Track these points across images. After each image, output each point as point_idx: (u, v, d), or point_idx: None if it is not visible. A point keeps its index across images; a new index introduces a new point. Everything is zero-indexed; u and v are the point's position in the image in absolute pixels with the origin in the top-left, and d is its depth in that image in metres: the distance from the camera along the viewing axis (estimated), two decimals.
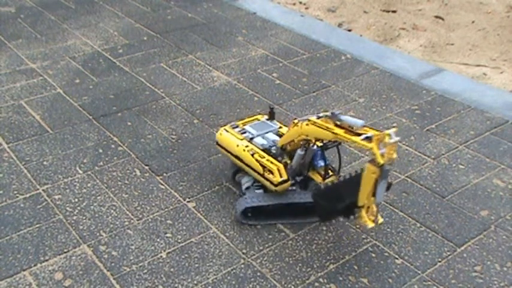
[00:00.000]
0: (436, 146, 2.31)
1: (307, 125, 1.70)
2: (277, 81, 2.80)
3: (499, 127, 2.46)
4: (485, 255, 1.79)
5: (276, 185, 1.82)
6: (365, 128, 1.57)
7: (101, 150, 2.26)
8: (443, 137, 2.37)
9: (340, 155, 1.84)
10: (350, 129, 1.60)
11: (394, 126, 1.76)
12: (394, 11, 3.96)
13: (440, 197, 2.03)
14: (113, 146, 2.29)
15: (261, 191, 1.91)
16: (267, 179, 1.84)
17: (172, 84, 2.76)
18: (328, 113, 1.66)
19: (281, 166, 1.82)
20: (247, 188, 1.95)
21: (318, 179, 1.84)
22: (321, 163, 1.81)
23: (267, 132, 1.97)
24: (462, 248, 1.81)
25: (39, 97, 2.63)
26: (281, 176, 1.81)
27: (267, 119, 2.06)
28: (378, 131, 1.54)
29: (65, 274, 1.70)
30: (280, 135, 1.96)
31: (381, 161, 1.50)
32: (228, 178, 2.10)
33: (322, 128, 1.65)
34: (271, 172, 1.81)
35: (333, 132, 1.62)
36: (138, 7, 3.70)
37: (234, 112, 2.53)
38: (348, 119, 1.62)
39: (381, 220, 1.63)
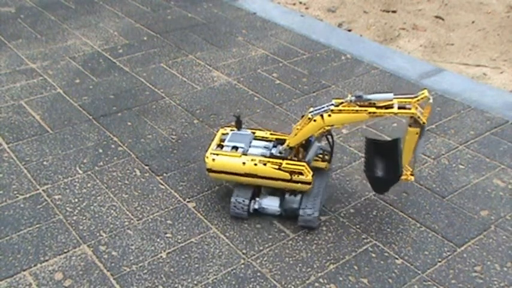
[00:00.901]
0: (436, 146, 2.31)
1: (329, 115, 1.72)
2: (277, 81, 2.80)
3: (499, 127, 2.46)
4: (485, 255, 1.79)
5: (310, 183, 1.80)
6: (396, 98, 1.69)
7: (101, 150, 2.26)
8: (443, 137, 2.37)
9: (334, 140, 1.88)
10: (380, 105, 1.69)
11: (423, 89, 1.87)
12: (394, 11, 3.95)
13: (440, 197, 2.03)
14: (113, 146, 2.29)
15: (293, 196, 1.86)
16: (298, 181, 1.80)
17: (172, 84, 2.76)
18: (349, 98, 1.72)
19: (305, 164, 1.81)
20: (286, 207, 1.87)
21: (321, 164, 1.88)
22: (319, 150, 1.88)
23: (251, 141, 1.93)
24: (462, 248, 1.81)
25: (39, 97, 2.63)
26: (310, 172, 1.80)
27: (236, 129, 1.98)
28: (404, 98, 1.68)
29: (65, 274, 1.70)
30: (262, 139, 1.93)
31: (424, 120, 1.68)
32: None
33: (352, 113, 1.70)
34: (300, 173, 1.79)
35: (369, 112, 1.69)
36: (138, 7, 3.70)
37: (234, 112, 2.53)
38: (376, 96, 1.70)
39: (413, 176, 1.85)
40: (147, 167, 2.16)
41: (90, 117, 2.48)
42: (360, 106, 1.69)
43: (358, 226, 1.89)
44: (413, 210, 1.97)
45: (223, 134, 1.98)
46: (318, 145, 1.82)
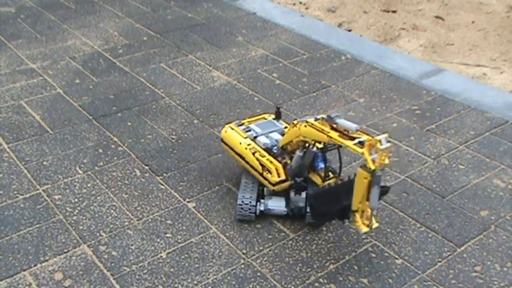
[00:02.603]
0: (436, 146, 2.31)
1: (305, 126, 1.70)
2: (277, 81, 2.80)
3: (499, 127, 2.46)
4: (485, 255, 1.79)
5: (273, 185, 1.82)
6: (359, 132, 1.57)
7: (101, 150, 2.26)
8: (443, 137, 2.37)
9: (341, 157, 1.84)
10: (345, 133, 1.60)
11: (384, 133, 1.76)
12: (394, 11, 3.95)
13: (440, 197, 2.03)
14: (112, 146, 2.29)
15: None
16: (266, 178, 1.84)
17: (172, 84, 2.76)
18: (323, 115, 1.67)
19: (280, 166, 1.82)
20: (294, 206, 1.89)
21: (318, 181, 1.83)
22: (321, 165, 1.81)
23: (271, 132, 1.97)
24: (462, 248, 1.81)
25: (39, 97, 2.63)
26: (279, 176, 1.81)
27: (274, 119, 2.06)
28: (370, 136, 1.53)
29: (65, 274, 1.70)
30: (283, 134, 1.97)
31: (372, 166, 1.49)
32: (228, 178, 2.10)
33: (318, 130, 1.65)
34: (269, 171, 1.82)
35: (328, 135, 1.61)
36: (138, 7, 3.70)
37: (234, 112, 2.53)
38: (343, 122, 1.61)
39: (375, 225, 1.62)
40: (147, 167, 2.16)
41: (90, 117, 2.48)
42: (331, 127, 1.64)
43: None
44: (413, 210, 1.97)
45: (263, 118, 2.07)
46: (299, 154, 1.80)
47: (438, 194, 2.05)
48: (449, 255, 1.79)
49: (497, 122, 2.49)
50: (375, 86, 2.78)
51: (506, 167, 2.20)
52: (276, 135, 1.96)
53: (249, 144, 1.91)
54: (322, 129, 1.64)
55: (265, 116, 2.09)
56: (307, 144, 1.78)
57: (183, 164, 2.18)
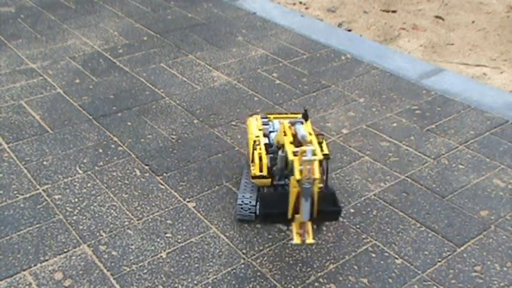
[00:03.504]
0: (436, 146, 2.31)
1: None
2: (277, 81, 2.80)
3: (499, 127, 2.46)
4: (485, 255, 1.79)
5: (252, 178, 1.82)
6: (306, 142, 1.55)
7: (101, 150, 2.26)
8: (443, 137, 2.38)
9: (328, 167, 1.80)
10: (295, 139, 1.58)
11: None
12: (394, 11, 3.95)
13: (440, 197, 2.03)
14: (112, 146, 2.29)
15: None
16: (250, 169, 1.87)
17: (172, 84, 2.76)
18: (292, 120, 1.65)
19: (265, 163, 1.81)
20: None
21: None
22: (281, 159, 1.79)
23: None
24: (462, 248, 1.81)
25: (39, 97, 2.63)
26: (260, 171, 1.80)
27: (303, 120, 2.03)
28: (313, 148, 1.51)
29: (65, 274, 1.70)
30: None
31: (298, 176, 1.45)
32: (228, 178, 2.10)
33: (281, 133, 1.65)
34: (254, 165, 1.83)
35: (283, 137, 1.60)
36: (138, 7, 3.70)
37: (234, 112, 2.53)
38: (298, 128, 1.60)
39: (310, 240, 1.55)
40: (147, 167, 2.16)
41: (90, 117, 2.48)
42: (293, 134, 1.64)
43: (358, 226, 1.89)
44: (413, 210, 1.97)
45: (294, 116, 2.03)
46: (281, 155, 1.78)
47: (438, 194, 2.05)
48: (449, 255, 1.79)
49: (497, 122, 2.49)
50: (375, 86, 2.78)
51: (506, 167, 2.20)
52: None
53: (257, 137, 1.91)
54: (285, 131, 1.63)
55: (298, 116, 2.04)
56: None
57: (183, 164, 2.19)
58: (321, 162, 1.69)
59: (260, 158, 1.83)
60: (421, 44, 3.47)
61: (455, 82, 2.83)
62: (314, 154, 1.48)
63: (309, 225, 1.56)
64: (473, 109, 2.59)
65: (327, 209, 1.58)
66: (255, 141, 1.89)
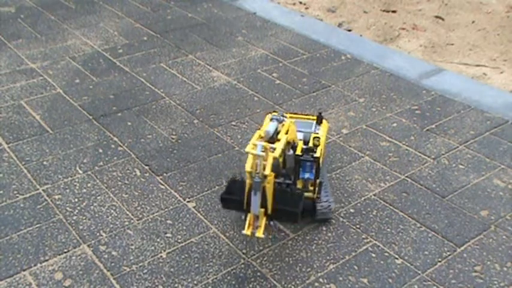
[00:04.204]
0: (436, 146, 2.31)
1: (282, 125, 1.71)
2: (277, 81, 2.80)
3: (499, 127, 2.46)
4: (485, 255, 1.79)
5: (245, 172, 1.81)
6: (268, 138, 1.57)
7: (101, 150, 2.26)
8: (443, 137, 2.38)
9: (319, 170, 1.80)
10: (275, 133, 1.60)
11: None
12: (394, 11, 3.95)
13: (440, 197, 2.03)
14: (112, 146, 2.29)
15: None
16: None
17: (172, 84, 2.76)
18: (274, 116, 1.66)
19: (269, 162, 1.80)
20: None
21: (309, 193, 1.83)
22: (303, 175, 1.79)
23: (298, 131, 1.93)
24: (462, 248, 1.81)
25: (39, 97, 2.63)
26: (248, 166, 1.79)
27: (316, 122, 2.02)
28: (270, 143, 1.53)
29: (65, 274, 1.70)
30: (308, 141, 1.94)
31: (247, 167, 1.48)
32: (228, 178, 2.10)
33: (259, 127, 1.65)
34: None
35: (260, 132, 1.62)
36: (138, 7, 3.70)
37: (234, 112, 2.53)
38: (270, 124, 1.62)
39: (258, 235, 1.58)
40: (147, 167, 2.16)
41: (90, 117, 2.48)
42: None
43: (358, 226, 1.89)
44: (413, 210, 1.97)
45: (309, 119, 2.02)
46: (288, 154, 1.78)
47: (438, 194, 2.05)
48: (449, 255, 1.79)
49: (497, 122, 2.49)
50: (375, 86, 2.78)
51: (506, 167, 2.20)
52: (300, 135, 1.92)
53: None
54: (264, 125, 1.64)
55: (312, 118, 2.03)
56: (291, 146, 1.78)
57: (183, 164, 2.18)
58: (275, 159, 1.68)
59: None
60: (421, 44, 3.47)
61: (455, 82, 2.83)
62: (271, 151, 1.50)
63: (262, 220, 1.59)
64: (473, 109, 2.59)
65: (284, 208, 1.60)
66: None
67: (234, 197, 1.62)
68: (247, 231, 1.59)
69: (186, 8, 3.69)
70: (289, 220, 1.70)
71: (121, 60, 2.99)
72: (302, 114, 2.05)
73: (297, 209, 1.59)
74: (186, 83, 2.78)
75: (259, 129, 1.61)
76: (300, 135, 1.92)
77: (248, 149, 1.51)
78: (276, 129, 1.66)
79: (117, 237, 1.83)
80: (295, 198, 1.62)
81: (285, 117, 1.99)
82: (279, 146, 1.56)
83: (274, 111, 2.04)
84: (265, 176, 1.50)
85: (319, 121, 2.01)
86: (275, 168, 1.79)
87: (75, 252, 1.77)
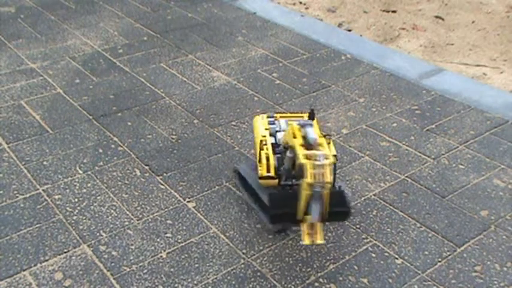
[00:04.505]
0: (436, 146, 2.31)
1: (291, 128, 1.70)
2: (277, 81, 2.80)
3: (499, 127, 2.46)
4: (485, 255, 1.79)
5: (259, 178, 1.83)
6: (317, 145, 1.55)
7: (101, 150, 2.26)
8: (443, 137, 2.38)
9: (335, 168, 1.81)
10: (305, 142, 1.58)
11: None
12: (394, 11, 3.96)
13: (440, 197, 2.04)
14: (112, 146, 2.29)
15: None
16: (257, 169, 1.87)
17: (172, 84, 2.76)
18: (300, 122, 1.64)
19: (272, 163, 1.81)
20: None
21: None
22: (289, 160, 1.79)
23: None
24: (462, 248, 1.81)
25: (39, 97, 2.63)
26: (267, 172, 1.80)
27: (308, 119, 2.02)
28: (325, 151, 1.52)
29: (65, 274, 1.70)
30: None
31: (309, 179, 1.46)
32: (228, 178, 2.10)
33: (291, 135, 1.64)
34: (261, 165, 1.83)
35: (293, 140, 1.60)
36: (138, 7, 3.70)
37: (234, 112, 2.53)
38: (308, 130, 1.59)
39: (319, 241, 1.57)
40: (147, 167, 2.16)
41: (90, 117, 2.48)
42: (302, 136, 1.63)
43: (358, 226, 1.89)
44: (413, 210, 1.97)
45: (299, 117, 2.02)
46: (289, 156, 1.79)
47: (438, 194, 2.05)
48: (449, 255, 1.79)
49: (497, 122, 2.49)
50: (375, 86, 2.78)
51: (506, 167, 2.20)
52: None
53: (263, 136, 1.91)
54: (294, 133, 1.62)
55: (304, 115, 2.05)
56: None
57: (183, 164, 2.19)
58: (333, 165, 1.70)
59: (267, 158, 1.83)
60: (421, 44, 3.47)
61: (455, 82, 2.84)
62: (326, 158, 1.49)
63: (318, 226, 1.57)
64: (473, 109, 2.59)
65: (335, 210, 1.59)
66: (261, 141, 1.89)
67: (286, 211, 1.61)
68: (307, 241, 1.56)
69: (186, 8, 3.69)
70: (340, 220, 1.71)
71: (121, 60, 2.99)
72: (291, 113, 2.06)
73: (347, 208, 1.61)
74: (186, 83, 2.78)
75: (295, 138, 1.60)
76: None
77: (304, 160, 1.49)
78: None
79: (117, 237, 1.83)
80: (338, 197, 1.62)
81: (274, 117, 2.00)
82: (328, 151, 1.55)
83: (263, 113, 2.04)
84: (327, 184, 1.49)
85: (311, 118, 2.02)
86: (286, 171, 1.81)
87: (75, 252, 1.77)
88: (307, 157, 1.50)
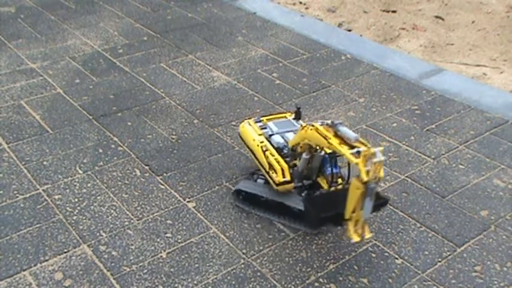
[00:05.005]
0: (436, 146, 2.31)
1: (310, 129, 1.70)
2: (277, 81, 2.80)
3: (499, 127, 2.46)
4: (485, 255, 1.79)
5: (277, 185, 1.82)
6: (358, 142, 1.56)
7: (101, 150, 2.26)
8: (443, 137, 2.38)
9: (350, 167, 1.82)
10: (346, 141, 1.59)
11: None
12: (394, 11, 3.95)
13: (440, 197, 2.03)
14: (112, 146, 2.29)
15: (262, 181, 1.94)
16: (271, 177, 1.85)
17: (172, 84, 2.76)
18: (328, 122, 1.66)
19: (286, 167, 1.82)
20: (252, 173, 2.00)
21: (324, 185, 1.84)
22: (329, 170, 1.80)
23: (287, 132, 1.96)
24: (462, 248, 1.81)
25: (39, 97, 2.63)
26: (284, 177, 1.81)
27: (293, 118, 2.05)
28: (368, 147, 1.53)
29: (65, 274, 1.70)
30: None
31: (365, 177, 1.48)
32: (228, 178, 2.10)
33: (320, 135, 1.65)
34: (275, 171, 1.82)
35: (328, 142, 1.61)
36: (138, 7, 3.70)
37: (234, 112, 2.53)
38: (344, 130, 1.61)
39: (368, 235, 1.61)
40: (147, 167, 2.16)
41: (90, 117, 2.48)
42: (334, 134, 1.64)
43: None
44: (413, 210, 1.97)
45: (284, 117, 2.06)
46: (305, 157, 1.81)
47: (438, 194, 2.05)
48: (449, 255, 1.79)
49: (497, 122, 2.49)
50: (375, 86, 2.78)
51: (506, 167, 2.20)
52: (291, 136, 1.94)
53: (261, 142, 1.91)
54: (325, 135, 1.63)
55: (287, 115, 2.08)
56: (313, 148, 1.78)
57: (183, 164, 2.19)
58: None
59: (278, 163, 1.83)
60: (421, 44, 3.47)
61: (455, 82, 2.83)
62: (382, 154, 1.52)
63: (363, 221, 1.60)
64: (473, 109, 2.59)
65: (377, 202, 1.63)
66: (261, 147, 1.88)
67: (334, 212, 1.64)
68: (357, 238, 1.59)
69: (186, 8, 3.69)
70: (378, 210, 1.79)
71: (121, 60, 2.99)
72: (275, 114, 2.08)
73: (386, 198, 1.71)
74: (186, 83, 2.78)
75: (326, 138, 1.61)
76: (292, 135, 1.93)
77: (355, 160, 1.50)
78: None
79: (117, 237, 1.83)
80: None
81: (262, 121, 2.01)
82: (371, 147, 1.58)
83: (249, 118, 2.05)
84: (380, 179, 1.52)
85: (298, 116, 2.02)
86: (299, 173, 1.83)
87: (75, 252, 1.77)
88: (357, 156, 1.52)
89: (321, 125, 1.68)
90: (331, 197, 1.73)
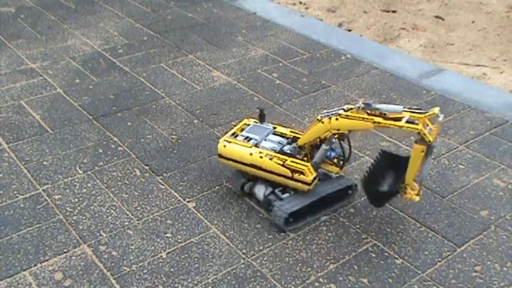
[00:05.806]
0: (436, 146, 2.31)
1: (336, 119, 1.73)
2: (277, 81, 2.80)
3: (499, 127, 2.46)
4: (485, 255, 1.79)
5: (309, 184, 1.81)
6: (402, 112, 1.67)
7: (101, 150, 2.26)
8: (443, 137, 2.37)
9: (351, 143, 1.89)
10: (386, 116, 1.68)
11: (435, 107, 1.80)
12: (394, 11, 3.95)
13: (440, 197, 2.03)
14: (112, 146, 2.29)
15: (287, 194, 1.88)
16: (298, 180, 1.81)
17: (172, 84, 2.76)
18: (359, 104, 1.71)
19: (309, 165, 1.82)
20: (267, 196, 1.90)
21: (334, 169, 1.90)
22: (333, 154, 1.88)
23: (267, 135, 1.96)
24: (462, 248, 1.81)
25: (39, 97, 2.63)
26: (312, 174, 1.81)
27: (258, 122, 2.03)
28: (414, 112, 1.66)
29: (65, 274, 1.70)
30: (280, 135, 1.96)
31: (431, 138, 1.62)
32: (228, 178, 2.10)
33: (358, 120, 1.70)
34: (302, 173, 1.80)
35: (374, 122, 1.68)
36: (138, 7, 3.70)
37: (234, 112, 2.53)
38: (385, 106, 1.69)
39: (420, 196, 1.78)
40: (147, 167, 2.16)
41: (90, 117, 2.48)
42: (369, 114, 1.69)
43: (358, 226, 1.89)
44: (413, 210, 1.97)
45: (245, 125, 2.02)
46: (325, 148, 1.83)
47: (438, 194, 2.05)
48: (449, 255, 1.79)
49: (497, 122, 2.49)
50: (375, 86, 2.78)
51: (506, 167, 2.20)
52: (274, 137, 1.94)
53: (261, 152, 1.86)
54: (364, 117, 1.69)
55: (246, 121, 2.03)
56: (336, 136, 1.83)
57: (183, 164, 2.18)
58: None
59: (305, 162, 1.84)
60: (421, 44, 3.47)
61: (455, 82, 2.83)
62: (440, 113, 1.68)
63: (416, 183, 1.77)
64: (473, 109, 2.59)
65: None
66: (268, 157, 1.84)
67: (384, 186, 1.82)
68: (417, 197, 1.77)
69: (186, 8, 3.69)
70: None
71: (121, 60, 2.99)
72: (238, 124, 2.02)
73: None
74: (186, 83, 2.78)
75: (363, 119, 1.71)
76: (275, 137, 1.95)
77: (419, 127, 1.62)
78: None
79: (117, 237, 1.83)
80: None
81: (236, 134, 1.95)
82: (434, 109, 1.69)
83: (223, 135, 2.03)
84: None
85: (262, 118, 2.02)
86: (317, 164, 1.87)
87: (75, 252, 1.77)
88: (414, 122, 1.64)
89: (346, 111, 1.74)
90: (378, 169, 1.84)
